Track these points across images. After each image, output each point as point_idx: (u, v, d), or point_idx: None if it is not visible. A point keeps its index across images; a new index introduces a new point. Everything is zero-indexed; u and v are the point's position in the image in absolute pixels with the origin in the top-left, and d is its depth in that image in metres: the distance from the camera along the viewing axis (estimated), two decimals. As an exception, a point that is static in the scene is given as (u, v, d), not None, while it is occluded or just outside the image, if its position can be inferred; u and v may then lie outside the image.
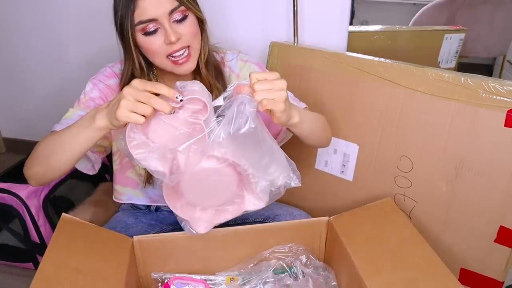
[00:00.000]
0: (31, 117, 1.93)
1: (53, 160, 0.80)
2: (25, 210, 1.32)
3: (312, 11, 1.30)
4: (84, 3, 1.58)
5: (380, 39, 1.67)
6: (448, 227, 1.06)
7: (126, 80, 0.92)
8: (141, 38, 0.83)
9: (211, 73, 0.95)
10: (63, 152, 0.78)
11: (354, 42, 1.39)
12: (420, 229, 0.93)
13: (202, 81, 0.94)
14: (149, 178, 0.98)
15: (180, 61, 0.85)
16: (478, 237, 1.02)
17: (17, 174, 1.46)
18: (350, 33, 1.34)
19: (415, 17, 2.17)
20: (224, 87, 0.97)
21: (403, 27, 1.82)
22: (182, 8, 0.82)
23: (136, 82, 0.69)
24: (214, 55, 0.98)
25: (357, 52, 1.16)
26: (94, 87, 0.94)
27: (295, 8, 1.26)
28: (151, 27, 0.82)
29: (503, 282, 1.04)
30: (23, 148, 1.79)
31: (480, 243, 1.02)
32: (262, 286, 0.88)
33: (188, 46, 0.86)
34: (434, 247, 0.86)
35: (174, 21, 0.82)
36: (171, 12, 0.81)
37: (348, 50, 1.34)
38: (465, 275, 1.07)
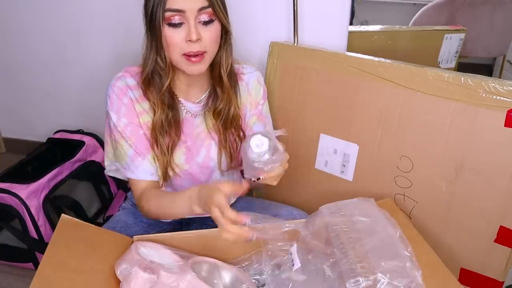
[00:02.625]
0: (31, 117, 1.93)
1: (162, 216, 0.96)
2: (25, 210, 1.31)
3: (312, 11, 1.30)
4: (82, 4, 1.58)
5: (380, 39, 1.67)
6: (448, 227, 1.06)
7: (149, 69, 0.90)
8: (164, 28, 0.85)
9: (232, 85, 0.97)
10: (170, 215, 0.93)
11: (354, 42, 1.39)
12: (420, 229, 0.93)
13: (223, 91, 0.96)
14: (165, 176, 0.98)
15: (193, 59, 0.86)
16: (478, 237, 1.02)
17: (17, 174, 1.46)
18: (350, 33, 1.34)
19: (415, 17, 2.17)
20: (235, 101, 0.99)
21: (403, 27, 1.81)
22: (210, 10, 0.85)
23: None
24: (234, 67, 1.00)
25: (357, 52, 1.16)
26: (119, 116, 0.93)
27: (295, 8, 1.26)
28: (176, 19, 0.83)
29: (503, 282, 1.04)
30: (23, 148, 1.80)
31: (480, 243, 1.02)
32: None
33: (205, 52, 0.87)
34: (434, 247, 0.86)
35: (199, 22, 0.85)
36: (200, 10, 0.83)
37: (348, 50, 1.34)
38: (465, 275, 1.07)
